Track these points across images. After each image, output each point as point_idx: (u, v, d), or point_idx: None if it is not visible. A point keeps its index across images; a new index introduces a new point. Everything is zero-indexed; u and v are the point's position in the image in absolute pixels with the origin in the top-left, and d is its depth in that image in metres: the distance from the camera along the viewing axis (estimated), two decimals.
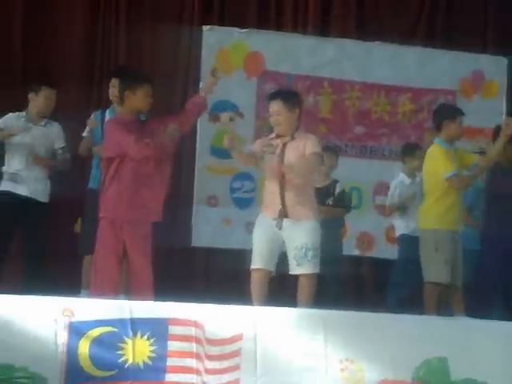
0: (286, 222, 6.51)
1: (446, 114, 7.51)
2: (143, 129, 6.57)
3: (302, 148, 6.59)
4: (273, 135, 6.79)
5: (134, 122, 6.60)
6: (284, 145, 6.64)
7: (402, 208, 8.28)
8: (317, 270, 6.55)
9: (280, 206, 6.53)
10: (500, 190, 7.61)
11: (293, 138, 6.64)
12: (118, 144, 6.49)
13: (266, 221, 6.62)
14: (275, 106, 6.68)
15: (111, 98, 7.58)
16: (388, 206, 8.67)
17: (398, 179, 8.50)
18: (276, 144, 6.66)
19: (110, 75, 7.85)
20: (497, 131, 7.75)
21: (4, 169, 7.52)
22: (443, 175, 7.07)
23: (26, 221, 7.43)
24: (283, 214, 6.51)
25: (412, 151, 8.46)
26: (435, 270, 6.99)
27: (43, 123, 7.59)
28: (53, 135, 7.59)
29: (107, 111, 7.56)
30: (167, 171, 6.68)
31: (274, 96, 6.85)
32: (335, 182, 8.46)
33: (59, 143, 7.60)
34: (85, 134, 7.69)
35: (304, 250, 6.48)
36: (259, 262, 6.58)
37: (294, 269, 6.52)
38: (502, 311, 7.28)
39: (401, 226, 8.46)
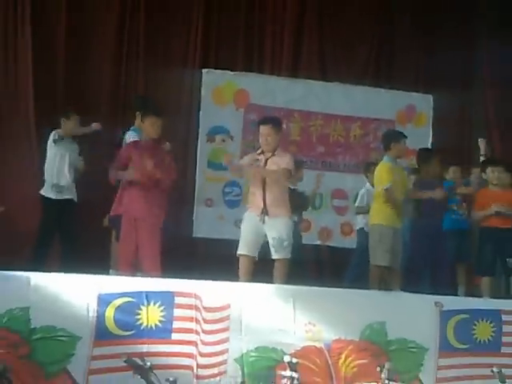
0: (266, 219, 6.48)
1: (393, 137, 7.50)
2: (154, 151, 6.62)
3: (281, 163, 6.59)
4: (258, 151, 6.77)
5: (147, 144, 6.66)
6: (266, 160, 6.63)
7: (368, 209, 8.24)
8: (289, 256, 6.53)
9: (262, 206, 6.49)
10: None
11: (273, 155, 6.64)
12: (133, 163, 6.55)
13: (251, 217, 6.60)
14: (266, 130, 6.69)
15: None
16: (357, 207, 8.59)
17: (365, 188, 8.42)
18: (260, 159, 6.67)
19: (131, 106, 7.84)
20: (420, 154, 7.91)
21: (46, 176, 7.43)
22: (383, 186, 7.04)
23: (63, 217, 7.32)
24: (265, 212, 6.48)
25: (372, 167, 8.38)
26: (379, 256, 6.93)
27: (72, 141, 7.51)
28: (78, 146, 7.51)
29: (132, 131, 7.46)
30: (166, 184, 6.64)
31: (265, 121, 6.87)
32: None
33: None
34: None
35: (280, 240, 6.46)
36: (245, 249, 6.56)
37: (273, 254, 6.50)
38: (427, 287, 7.25)
39: (360, 222, 8.40)
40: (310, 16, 10.25)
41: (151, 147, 6.67)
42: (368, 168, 8.48)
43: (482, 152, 8.37)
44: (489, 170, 7.79)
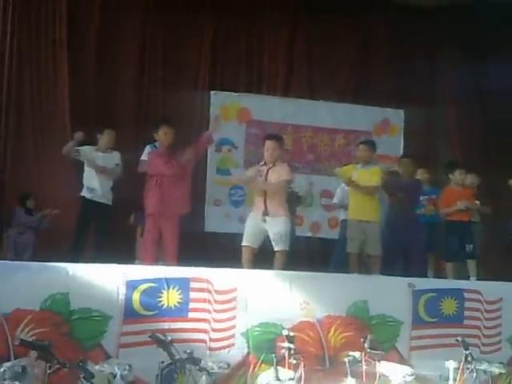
0: (267, 218, 6.48)
1: (361, 142, 7.52)
2: (171, 155, 6.64)
3: (281, 173, 6.60)
4: (261, 163, 6.77)
5: (165, 151, 6.69)
6: (268, 170, 6.60)
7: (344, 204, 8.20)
8: (287, 248, 6.50)
9: (264, 208, 6.47)
10: (395, 192, 7.53)
11: (274, 165, 6.62)
12: (155, 166, 6.57)
13: (255, 216, 6.59)
14: (272, 145, 6.69)
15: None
16: (334, 202, 8.55)
17: (340, 187, 8.30)
18: (262, 169, 6.65)
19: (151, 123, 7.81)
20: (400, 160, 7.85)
21: (84, 182, 7.36)
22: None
23: (97, 216, 7.30)
24: (266, 212, 6.46)
25: None
26: (348, 244, 6.95)
27: (108, 151, 7.43)
28: (113, 158, 7.42)
29: (154, 144, 7.43)
30: (188, 182, 6.66)
31: (271, 137, 6.86)
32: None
33: (117, 162, 7.42)
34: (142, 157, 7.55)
35: (279, 235, 6.44)
36: (247, 241, 6.53)
37: (274, 247, 6.47)
38: (401, 271, 7.22)
39: (342, 215, 8.29)
40: (300, 45, 10.22)
41: (166, 153, 6.70)
42: None
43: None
44: (457, 172, 7.80)
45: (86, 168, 7.31)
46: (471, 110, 10.50)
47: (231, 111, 9.66)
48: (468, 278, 7.35)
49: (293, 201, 7.76)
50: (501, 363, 5.68)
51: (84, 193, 7.30)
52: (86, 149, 7.34)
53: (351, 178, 7.03)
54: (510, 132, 10.44)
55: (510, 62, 10.17)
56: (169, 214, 6.55)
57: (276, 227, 6.48)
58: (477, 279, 7.31)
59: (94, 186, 7.26)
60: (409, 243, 7.37)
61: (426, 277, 7.58)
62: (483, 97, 10.59)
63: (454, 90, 10.60)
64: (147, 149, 7.36)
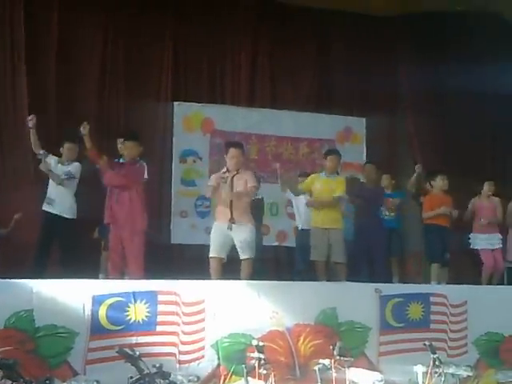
0: (233, 226, 6.43)
1: (326, 153, 7.52)
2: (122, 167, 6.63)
3: (245, 180, 6.56)
4: (224, 170, 6.69)
5: (124, 165, 6.65)
6: (232, 177, 6.54)
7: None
8: (253, 256, 6.46)
9: (230, 216, 6.42)
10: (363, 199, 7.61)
11: (238, 173, 6.57)
12: (106, 177, 6.62)
13: (220, 226, 6.52)
14: (235, 152, 6.68)
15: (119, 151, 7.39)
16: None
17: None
18: (227, 176, 6.57)
19: (114, 135, 7.73)
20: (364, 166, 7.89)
21: (47, 195, 7.29)
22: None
23: (60, 230, 7.19)
24: (232, 220, 6.42)
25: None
26: (314, 252, 6.94)
27: (68, 163, 7.37)
28: (73, 169, 7.36)
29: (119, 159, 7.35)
30: (140, 196, 6.57)
31: (235, 145, 6.85)
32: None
33: (75, 173, 7.37)
34: None
35: (245, 242, 6.40)
36: (215, 252, 6.46)
37: (241, 255, 6.43)
38: (367, 277, 7.26)
39: (299, 223, 8.36)
40: (263, 56, 10.18)
41: (127, 165, 6.66)
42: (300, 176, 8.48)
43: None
44: (438, 178, 7.87)
45: (49, 180, 7.24)
46: (431, 116, 10.63)
47: (195, 122, 9.59)
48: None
49: (259, 209, 7.74)
50: (468, 366, 5.75)
51: (44, 206, 7.22)
52: (50, 160, 7.29)
53: (311, 191, 7.08)
54: (468, 136, 10.63)
55: (468, 68, 10.34)
56: (126, 226, 6.45)
57: (242, 235, 6.44)
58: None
59: (54, 197, 7.19)
60: (373, 249, 7.42)
61: (391, 281, 7.65)
62: (442, 102, 10.74)
63: (414, 97, 10.71)
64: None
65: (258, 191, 7.23)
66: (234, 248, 6.51)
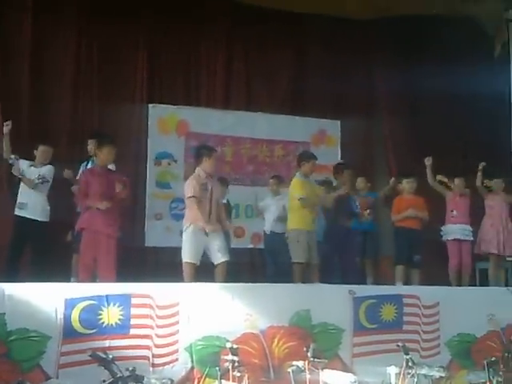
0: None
1: (305, 157, 7.49)
2: (108, 177, 6.49)
3: (219, 186, 6.76)
4: (202, 175, 6.69)
5: (103, 171, 6.49)
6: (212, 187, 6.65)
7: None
8: (227, 259, 6.50)
9: (207, 221, 6.49)
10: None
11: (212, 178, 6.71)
12: (88, 184, 6.42)
13: (195, 231, 6.51)
14: (217, 156, 6.83)
15: (89, 153, 7.35)
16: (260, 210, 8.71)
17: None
18: (206, 182, 6.62)
19: (88, 137, 7.66)
20: (335, 168, 7.89)
21: (18, 199, 7.24)
22: (298, 196, 7.03)
23: (32, 234, 7.16)
24: (210, 226, 6.49)
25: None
26: (298, 254, 6.95)
27: (41, 166, 7.32)
28: (45, 172, 7.31)
29: (89, 162, 7.29)
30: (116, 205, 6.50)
31: (215, 149, 7.03)
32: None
33: (47, 175, 7.32)
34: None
35: (222, 246, 6.48)
36: (189, 257, 6.46)
37: (219, 258, 6.46)
38: (339, 279, 7.29)
39: (267, 226, 8.45)
40: (238, 58, 10.25)
41: (106, 173, 6.53)
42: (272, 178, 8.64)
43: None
44: (405, 181, 7.93)
45: (21, 184, 7.18)
46: (405, 118, 10.73)
47: (170, 124, 9.60)
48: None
49: (227, 212, 7.76)
50: (441, 367, 5.82)
51: (16, 210, 7.18)
52: (20, 163, 7.24)
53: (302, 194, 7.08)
54: (440, 139, 10.73)
55: (441, 71, 10.46)
56: (107, 228, 6.40)
57: (217, 239, 6.48)
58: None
59: (26, 201, 7.15)
60: (344, 253, 7.46)
61: (365, 283, 7.70)
62: (416, 105, 10.86)
63: (389, 99, 10.82)
64: (83, 167, 7.24)
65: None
66: (204, 252, 6.54)
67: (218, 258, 6.46)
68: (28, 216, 7.14)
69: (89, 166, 7.20)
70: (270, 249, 8.12)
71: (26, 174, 7.23)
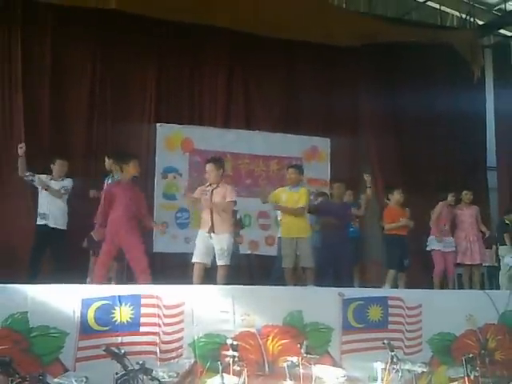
0: (213, 235, 6.48)
1: (289, 167, 7.39)
2: (134, 189, 6.53)
3: (223, 193, 6.59)
4: (207, 184, 6.73)
5: (129, 184, 6.52)
6: (212, 190, 6.60)
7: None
8: (229, 263, 6.50)
9: (210, 225, 6.49)
10: (325, 212, 7.65)
11: (218, 186, 6.61)
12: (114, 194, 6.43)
13: (203, 234, 6.55)
14: (209, 167, 6.68)
15: (106, 168, 7.39)
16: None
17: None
18: (208, 190, 6.62)
19: (101, 153, 7.76)
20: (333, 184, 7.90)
21: (38, 210, 7.30)
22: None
23: (52, 241, 7.23)
24: (212, 229, 6.48)
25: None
26: (284, 260, 6.99)
27: (61, 179, 7.38)
28: (69, 184, 7.39)
29: (109, 177, 7.31)
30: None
31: (209, 161, 6.82)
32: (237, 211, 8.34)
33: (70, 187, 7.42)
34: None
35: (222, 250, 6.45)
36: (198, 257, 6.49)
37: (217, 262, 6.46)
38: (332, 282, 7.32)
39: (279, 233, 8.22)
40: (237, 82, 10.38)
41: (131, 186, 6.56)
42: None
43: (368, 184, 8.24)
44: (396, 192, 8.00)
45: (40, 195, 7.23)
46: (389, 136, 10.86)
47: (175, 141, 9.68)
48: (396, 287, 7.54)
49: (237, 223, 7.80)
50: (423, 363, 5.86)
51: (38, 221, 7.24)
52: (41, 177, 7.31)
53: (278, 202, 7.07)
54: (423, 154, 10.86)
55: (420, 95, 10.62)
56: (131, 234, 6.42)
57: (220, 243, 6.46)
58: (393, 287, 7.52)
59: (46, 211, 7.19)
60: (339, 260, 7.48)
61: (353, 286, 7.75)
62: (400, 124, 10.98)
63: (374, 120, 10.94)
64: (106, 180, 7.30)
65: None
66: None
67: (217, 260, 6.47)
68: (50, 225, 7.19)
69: (109, 180, 7.23)
70: (278, 254, 8.07)
71: (46, 184, 7.26)
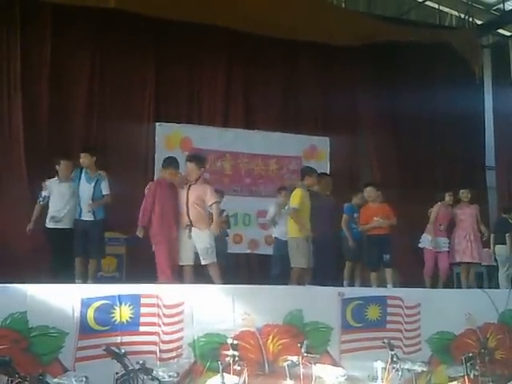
0: (192, 234, 6.35)
1: (307, 171, 7.35)
2: (173, 189, 6.55)
3: (202, 192, 6.48)
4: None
5: (170, 184, 6.58)
6: (189, 186, 6.52)
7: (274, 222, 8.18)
8: (215, 259, 6.39)
9: (187, 220, 6.40)
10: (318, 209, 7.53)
11: (195, 183, 6.52)
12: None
13: (184, 235, 6.41)
14: (188, 166, 6.59)
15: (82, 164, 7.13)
16: (269, 221, 8.42)
17: (274, 204, 8.28)
18: (185, 184, 6.55)
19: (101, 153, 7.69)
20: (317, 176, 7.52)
21: (49, 212, 6.97)
22: (294, 206, 6.96)
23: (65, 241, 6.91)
24: (190, 228, 6.37)
25: (283, 190, 8.24)
26: (298, 260, 6.84)
27: (68, 180, 7.09)
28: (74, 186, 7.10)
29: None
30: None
31: (187, 159, 6.75)
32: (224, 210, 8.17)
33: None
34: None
35: (205, 249, 6.33)
36: (183, 260, 6.40)
37: (203, 261, 6.36)
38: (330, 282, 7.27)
39: (275, 232, 8.20)
40: (236, 81, 10.36)
41: (172, 186, 6.57)
42: (280, 190, 8.38)
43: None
44: (367, 190, 7.83)
45: (51, 199, 6.95)
46: (388, 135, 10.85)
47: (174, 141, 9.66)
48: (385, 286, 7.50)
49: (224, 222, 7.74)
50: (422, 362, 5.86)
51: (47, 223, 6.88)
52: (50, 183, 7.00)
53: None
54: (420, 153, 10.86)
55: (419, 95, 10.61)
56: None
57: (202, 242, 6.33)
58: (395, 286, 7.43)
59: (58, 214, 6.85)
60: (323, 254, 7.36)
61: (354, 286, 7.74)
62: (398, 123, 10.98)
63: (373, 119, 10.93)
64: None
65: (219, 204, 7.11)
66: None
67: (202, 260, 6.34)
68: (60, 226, 6.86)
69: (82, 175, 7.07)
70: (277, 253, 8.01)
71: (58, 190, 6.98)
